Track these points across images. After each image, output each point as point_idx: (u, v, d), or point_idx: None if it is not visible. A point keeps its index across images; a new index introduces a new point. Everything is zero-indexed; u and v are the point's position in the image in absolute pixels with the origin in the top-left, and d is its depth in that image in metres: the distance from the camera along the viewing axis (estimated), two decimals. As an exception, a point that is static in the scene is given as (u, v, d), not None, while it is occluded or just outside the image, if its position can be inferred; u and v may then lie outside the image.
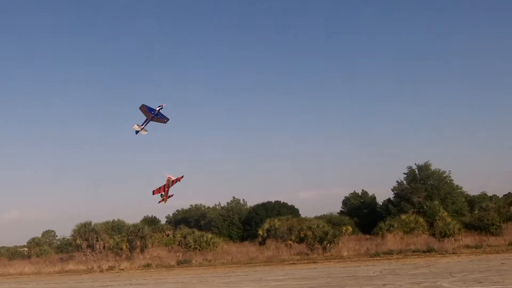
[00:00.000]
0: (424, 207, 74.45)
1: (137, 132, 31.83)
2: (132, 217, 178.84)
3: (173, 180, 32.93)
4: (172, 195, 33.62)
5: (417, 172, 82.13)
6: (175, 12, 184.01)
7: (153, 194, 33.33)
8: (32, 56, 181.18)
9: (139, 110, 31.10)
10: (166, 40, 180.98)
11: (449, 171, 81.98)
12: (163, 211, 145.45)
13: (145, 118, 31.27)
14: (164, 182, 33.11)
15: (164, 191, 33.27)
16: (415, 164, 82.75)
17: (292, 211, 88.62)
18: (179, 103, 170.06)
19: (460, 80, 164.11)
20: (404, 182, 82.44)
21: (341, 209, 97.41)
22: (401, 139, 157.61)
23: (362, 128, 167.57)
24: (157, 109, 30.95)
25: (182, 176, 33.39)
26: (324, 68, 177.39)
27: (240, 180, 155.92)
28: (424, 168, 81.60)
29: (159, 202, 33.53)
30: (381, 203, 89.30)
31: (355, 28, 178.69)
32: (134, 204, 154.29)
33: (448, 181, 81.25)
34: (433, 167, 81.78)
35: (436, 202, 74.06)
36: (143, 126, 31.68)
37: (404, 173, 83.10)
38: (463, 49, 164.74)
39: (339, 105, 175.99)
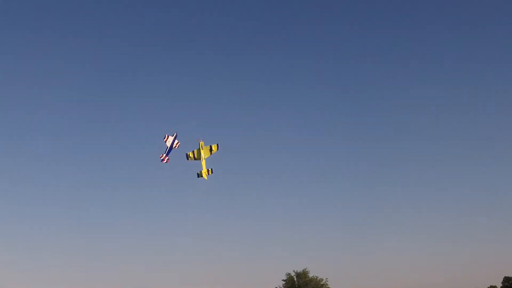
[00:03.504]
0: (301, 315, 73.84)
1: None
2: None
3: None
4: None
5: (295, 279, 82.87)
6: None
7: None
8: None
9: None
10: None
11: (326, 278, 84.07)
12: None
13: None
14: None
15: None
16: (294, 271, 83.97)
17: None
18: None
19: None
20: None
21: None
22: (280, 244, 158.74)
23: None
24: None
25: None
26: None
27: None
28: (302, 275, 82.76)
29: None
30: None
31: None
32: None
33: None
34: (311, 274, 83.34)
35: (314, 310, 74.07)
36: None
37: (283, 280, 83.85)
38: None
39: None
